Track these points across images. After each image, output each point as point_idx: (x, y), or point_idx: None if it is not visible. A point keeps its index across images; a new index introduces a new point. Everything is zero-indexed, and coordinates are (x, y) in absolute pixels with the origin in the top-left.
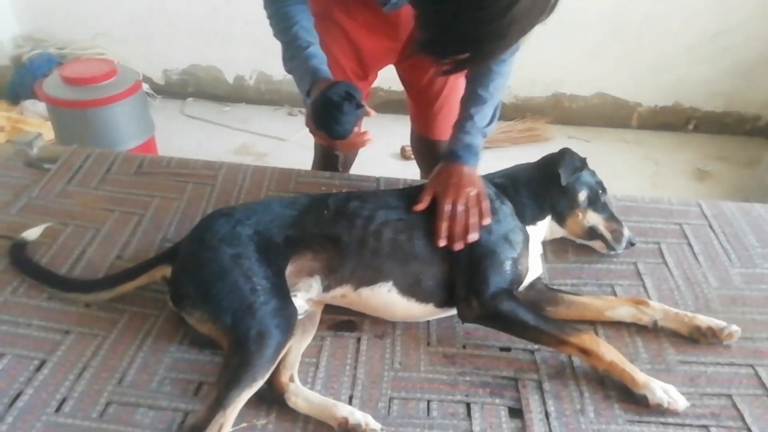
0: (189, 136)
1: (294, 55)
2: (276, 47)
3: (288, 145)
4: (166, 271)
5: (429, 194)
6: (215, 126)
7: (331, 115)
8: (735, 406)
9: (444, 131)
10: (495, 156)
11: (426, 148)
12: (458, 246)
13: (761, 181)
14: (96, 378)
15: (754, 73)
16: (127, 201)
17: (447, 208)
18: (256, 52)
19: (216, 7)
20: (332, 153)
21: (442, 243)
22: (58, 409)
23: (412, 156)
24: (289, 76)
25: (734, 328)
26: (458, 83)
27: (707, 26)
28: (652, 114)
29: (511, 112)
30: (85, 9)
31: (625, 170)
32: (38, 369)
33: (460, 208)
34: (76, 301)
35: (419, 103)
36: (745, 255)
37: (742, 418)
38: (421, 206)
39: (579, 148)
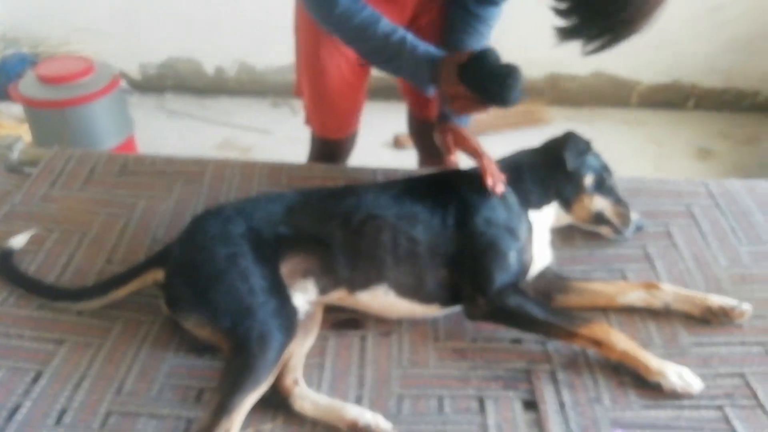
0: (170, 132)
1: (395, 52)
2: (258, 36)
3: (273, 137)
4: (158, 275)
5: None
6: (197, 120)
7: (506, 87)
8: (748, 384)
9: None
10: (493, 141)
11: (427, 131)
12: (500, 189)
13: (762, 158)
14: (94, 388)
15: (753, 47)
16: (113, 203)
17: (480, 149)
18: (237, 42)
19: None
20: (332, 144)
21: (491, 181)
22: (58, 421)
23: (406, 144)
24: (273, 65)
25: (746, 306)
26: None
27: (705, 0)
28: (652, 92)
29: None
30: (59, 4)
31: (627, 152)
32: (35, 381)
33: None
34: (67, 310)
35: None
36: (753, 233)
37: (755, 396)
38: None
39: (579, 130)
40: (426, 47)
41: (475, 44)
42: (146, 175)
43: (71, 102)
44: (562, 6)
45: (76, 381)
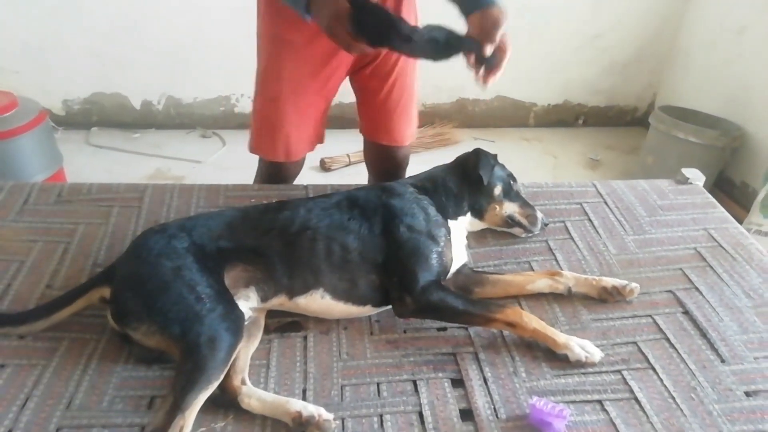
0: (98, 166)
1: None
2: (183, 70)
3: (204, 167)
4: (104, 292)
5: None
6: (125, 154)
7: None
8: (640, 350)
9: (401, 136)
10: (411, 161)
11: (384, 156)
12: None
13: (642, 164)
14: (42, 406)
15: (629, 70)
16: (50, 230)
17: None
18: (163, 76)
19: (115, 34)
20: (279, 167)
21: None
22: None
23: (331, 167)
24: (200, 99)
25: (634, 285)
26: (407, 82)
27: (586, 30)
28: (547, 112)
29: (421, 119)
30: None
31: (529, 166)
32: None
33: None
34: (8, 335)
35: (378, 112)
36: (636, 224)
37: (647, 360)
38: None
39: (485, 148)
40: None
41: None
42: (83, 202)
43: None
44: None
45: (22, 402)
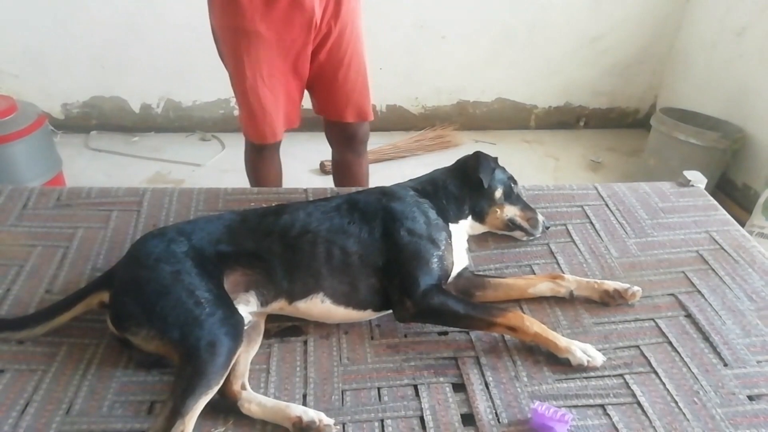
0: (97, 170)
1: None
2: (181, 73)
3: (204, 170)
4: (104, 296)
5: None
6: (124, 157)
7: None
8: (643, 354)
9: (366, 111)
10: (411, 164)
11: (350, 134)
12: None
13: (644, 166)
14: (41, 411)
15: (630, 71)
16: (49, 235)
17: None
18: (163, 80)
19: (114, 38)
20: (263, 144)
21: None
22: None
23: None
24: (199, 102)
25: (636, 288)
26: (360, 62)
27: (586, 31)
28: (547, 114)
29: (421, 121)
30: None
31: (529, 168)
32: None
33: None
34: (7, 340)
35: (338, 92)
36: (638, 227)
37: (650, 364)
38: None
39: (485, 150)
40: None
41: None
42: (82, 206)
43: None
44: None
45: (21, 407)
